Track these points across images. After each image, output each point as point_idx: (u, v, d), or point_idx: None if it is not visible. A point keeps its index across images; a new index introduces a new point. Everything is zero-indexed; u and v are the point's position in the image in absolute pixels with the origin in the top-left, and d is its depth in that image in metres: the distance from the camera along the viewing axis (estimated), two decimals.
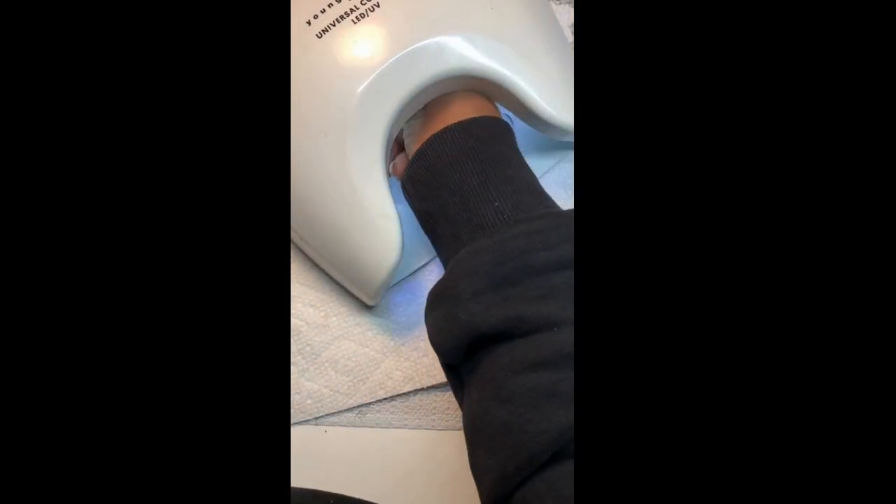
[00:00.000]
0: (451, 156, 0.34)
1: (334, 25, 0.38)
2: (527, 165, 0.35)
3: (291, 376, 0.43)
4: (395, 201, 0.38)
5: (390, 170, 0.41)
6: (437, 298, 0.31)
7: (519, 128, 0.47)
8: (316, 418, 0.43)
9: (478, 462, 0.29)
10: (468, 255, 0.30)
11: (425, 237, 0.44)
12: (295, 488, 0.39)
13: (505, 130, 0.36)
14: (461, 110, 0.38)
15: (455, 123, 0.35)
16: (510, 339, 0.28)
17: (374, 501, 0.39)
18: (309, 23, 0.38)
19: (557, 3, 0.52)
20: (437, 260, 0.44)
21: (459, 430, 0.42)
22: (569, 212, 0.31)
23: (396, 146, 0.43)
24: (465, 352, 0.30)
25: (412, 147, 0.39)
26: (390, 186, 0.38)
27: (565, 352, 0.26)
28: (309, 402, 0.43)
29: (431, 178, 0.35)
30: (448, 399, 0.43)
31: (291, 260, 0.45)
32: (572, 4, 0.52)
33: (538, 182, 0.34)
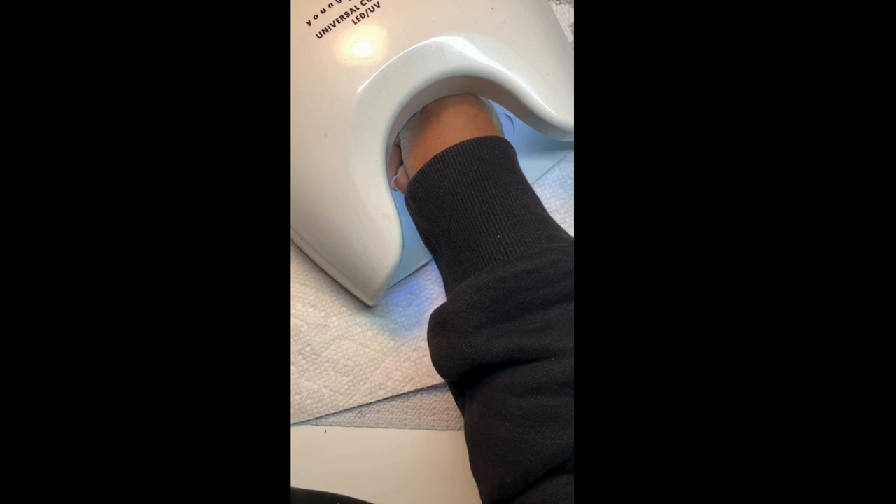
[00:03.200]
0: (454, 181, 0.35)
1: (334, 25, 0.38)
2: (528, 188, 0.36)
3: (291, 376, 0.43)
4: (395, 201, 0.38)
5: (392, 184, 0.41)
6: (440, 326, 0.32)
7: (519, 128, 0.47)
8: (316, 418, 0.43)
9: (478, 468, 0.31)
10: (471, 288, 0.31)
11: None
12: (300, 490, 0.39)
13: (505, 151, 0.37)
14: (456, 123, 0.38)
15: (458, 145, 0.36)
16: (511, 366, 0.30)
17: (399, 500, 0.39)
18: (309, 23, 0.38)
19: (557, 3, 0.52)
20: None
21: (459, 430, 0.43)
22: (568, 246, 0.32)
23: (396, 154, 0.43)
24: (467, 376, 0.31)
25: (410, 161, 0.39)
26: (390, 186, 0.38)
27: (562, 380, 0.28)
28: (309, 402, 0.43)
29: (434, 200, 0.35)
30: (448, 399, 0.43)
31: (291, 260, 0.45)
32: (572, 4, 0.52)
33: (539, 205, 0.35)
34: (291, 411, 0.42)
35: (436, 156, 0.36)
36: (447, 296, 0.35)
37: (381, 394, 0.43)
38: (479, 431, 0.30)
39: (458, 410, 0.43)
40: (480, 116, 0.39)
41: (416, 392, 0.43)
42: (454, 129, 0.38)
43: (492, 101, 0.42)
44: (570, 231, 0.40)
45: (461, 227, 0.34)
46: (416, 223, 0.37)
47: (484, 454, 0.30)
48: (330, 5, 0.38)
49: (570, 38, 0.48)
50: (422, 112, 0.40)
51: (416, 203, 0.36)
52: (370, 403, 0.43)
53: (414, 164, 0.38)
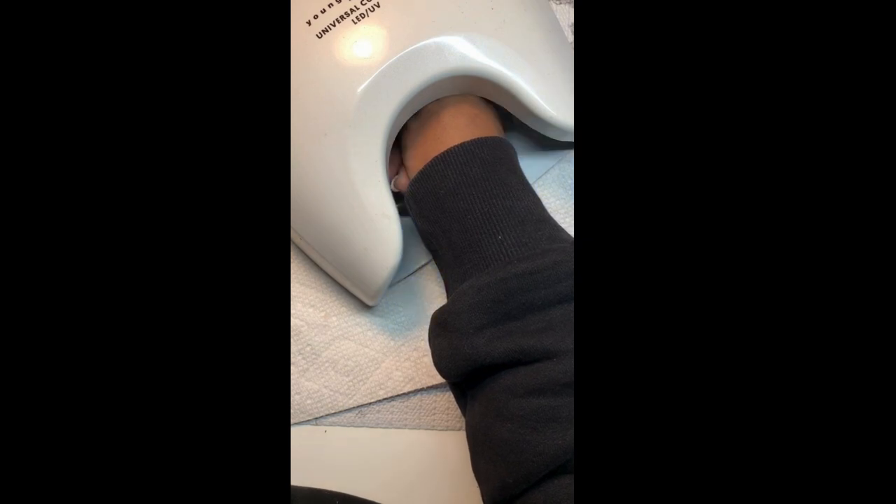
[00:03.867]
0: (455, 182, 0.35)
1: (334, 25, 0.38)
2: (529, 188, 0.36)
3: (291, 376, 0.43)
4: (395, 201, 0.38)
5: (392, 186, 0.41)
6: (441, 327, 0.32)
7: (519, 127, 0.47)
8: (316, 418, 0.43)
9: (480, 468, 0.31)
10: (472, 289, 0.31)
11: None
12: (300, 487, 0.39)
13: (506, 152, 0.37)
14: (457, 123, 0.38)
15: (459, 146, 0.36)
16: (513, 367, 0.30)
17: (378, 502, 0.39)
18: (309, 23, 0.38)
19: (557, 3, 0.52)
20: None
21: (459, 430, 0.43)
22: (569, 246, 0.32)
23: (396, 155, 0.43)
24: (468, 377, 0.31)
25: (410, 162, 0.39)
26: (390, 186, 0.38)
27: (564, 381, 0.28)
28: (309, 402, 0.43)
29: (434, 200, 0.35)
30: (448, 399, 0.43)
31: (291, 260, 0.45)
32: (572, 4, 0.52)
33: (540, 206, 0.35)
34: (291, 411, 0.42)
35: (437, 156, 0.36)
36: (448, 296, 0.35)
37: (381, 394, 0.43)
38: (480, 432, 0.30)
39: (459, 410, 0.43)
40: (481, 116, 0.39)
41: (416, 392, 0.43)
42: (455, 130, 0.38)
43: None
44: (570, 231, 0.40)
45: (462, 227, 0.34)
46: (416, 224, 0.37)
47: (485, 455, 0.30)
48: (330, 5, 0.38)
49: (570, 38, 0.48)
50: (422, 112, 0.40)
51: (417, 203, 0.36)
52: (370, 403, 0.43)
53: (414, 165, 0.38)
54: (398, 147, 0.42)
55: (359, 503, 0.39)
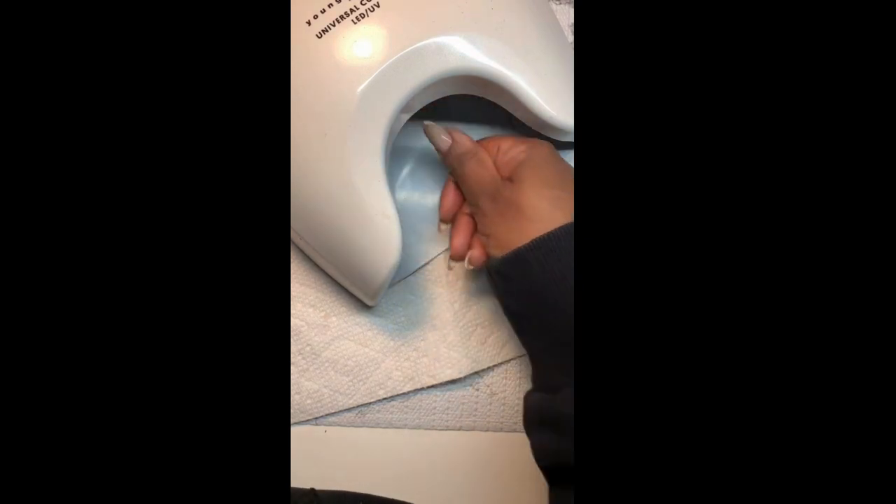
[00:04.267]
0: (557, 273, 0.33)
1: (334, 25, 0.38)
2: None
3: (291, 376, 0.43)
4: (395, 201, 0.38)
5: (466, 263, 0.39)
6: (550, 424, 0.32)
7: (519, 128, 0.47)
8: (316, 418, 0.43)
9: None
10: None
11: (425, 236, 0.44)
12: (324, 490, 0.39)
13: None
14: (547, 196, 0.35)
15: (559, 231, 0.33)
16: None
17: (407, 501, 0.39)
18: (309, 23, 0.38)
19: (557, 3, 0.52)
20: (439, 259, 0.45)
21: (459, 430, 0.43)
22: None
23: (468, 224, 0.39)
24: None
25: (490, 236, 0.37)
26: (390, 186, 0.38)
27: None
28: (309, 402, 0.43)
29: (531, 286, 0.34)
30: (448, 399, 0.43)
31: (291, 260, 0.45)
32: (572, 4, 0.52)
33: None
34: (291, 411, 0.42)
35: (535, 240, 0.34)
36: (536, 373, 0.35)
37: (381, 394, 0.43)
38: None
39: (458, 410, 0.43)
40: (567, 175, 0.38)
41: (415, 392, 0.43)
42: (545, 203, 0.35)
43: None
44: None
45: (566, 322, 0.32)
46: (500, 300, 0.36)
47: None
48: (330, 5, 0.38)
49: (570, 38, 0.48)
50: (500, 185, 0.37)
51: (506, 282, 0.35)
52: (370, 403, 0.43)
53: (500, 239, 0.36)
54: (473, 218, 0.39)
55: (384, 503, 0.39)
